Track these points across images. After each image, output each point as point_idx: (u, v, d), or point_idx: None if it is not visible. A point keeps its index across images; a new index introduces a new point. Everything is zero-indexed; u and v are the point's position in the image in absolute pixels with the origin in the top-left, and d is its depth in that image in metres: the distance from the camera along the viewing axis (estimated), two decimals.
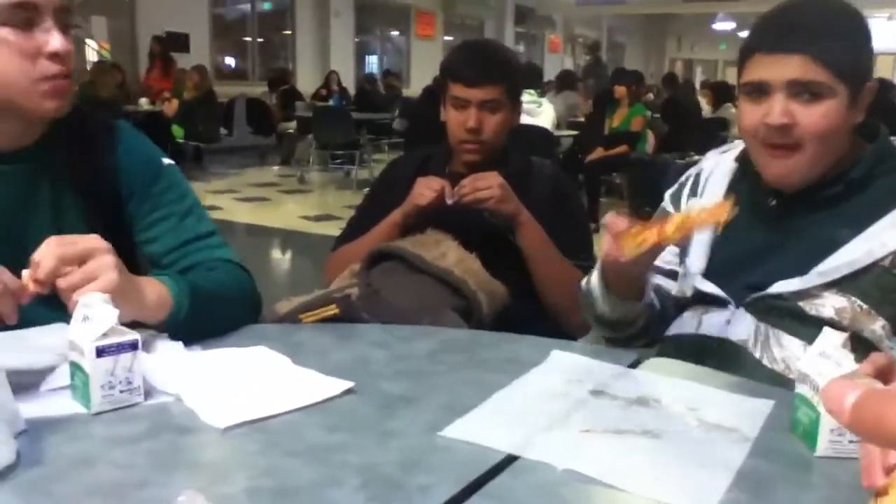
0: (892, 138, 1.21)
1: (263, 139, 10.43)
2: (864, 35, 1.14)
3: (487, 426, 0.87)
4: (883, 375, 0.77)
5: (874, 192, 1.13)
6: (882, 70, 16.70)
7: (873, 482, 0.66)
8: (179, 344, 1.07)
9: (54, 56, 1.09)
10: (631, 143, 6.44)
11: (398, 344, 1.17)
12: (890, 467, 0.65)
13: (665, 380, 1.05)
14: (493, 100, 1.68)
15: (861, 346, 1.09)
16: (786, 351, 1.13)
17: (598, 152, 6.45)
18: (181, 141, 8.54)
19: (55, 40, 1.08)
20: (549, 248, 1.63)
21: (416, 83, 13.03)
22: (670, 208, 1.37)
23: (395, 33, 15.84)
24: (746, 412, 0.94)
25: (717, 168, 1.33)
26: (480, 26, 17.18)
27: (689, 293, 1.27)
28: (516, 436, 0.84)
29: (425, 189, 1.60)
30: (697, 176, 1.35)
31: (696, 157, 1.54)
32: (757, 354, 1.15)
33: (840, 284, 1.11)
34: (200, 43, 11.26)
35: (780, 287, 1.14)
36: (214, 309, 1.14)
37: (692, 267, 1.26)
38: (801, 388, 0.87)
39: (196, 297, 1.10)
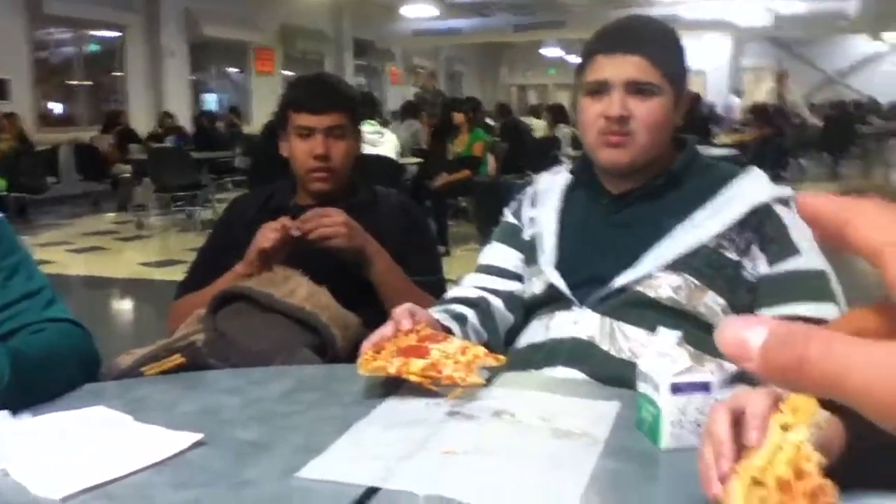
0: (700, 147, 1.36)
1: (97, 185, 9.86)
2: (683, 49, 1.32)
3: (346, 462, 0.86)
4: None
5: (690, 188, 1.28)
6: (693, 87, 18.11)
7: (711, 490, 0.68)
8: (5, 413, 0.98)
9: None
10: (473, 168, 6.61)
11: (250, 388, 1.13)
12: (724, 475, 0.67)
13: (518, 393, 1.08)
14: (339, 126, 1.69)
15: (698, 328, 1.18)
16: (630, 341, 1.22)
17: (443, 178, 6.58)
18: (4, 193, 7.92)
19: None
20: (398, 277, 1.63)
21: (258, 120, 12.79)
22: (512, 220, 1.46)
23: (233, 70, 15.48)
24: (596, 416, 0.97)
25: (551, 183, 1.44)
26: (321, 60, 17.12)
27: (537, 291, 1.34)
28: (376, 467, 0.83)
29: (268, 232, 1.55)
30: (535, 193, 1.45)
31: (535, 176, 1.63)
32: (605, 347, 1.22)
33: (673, 266, 1.22)
34: (22, 89, 10.52)
35: (621, 280, 1.24)
36: (42, 374, 1.06)
37: (545, 261, 1.34)
38: (642, 387, 0.92)
39: (18, 364, 1.02)
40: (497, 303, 1.39)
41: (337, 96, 1.72)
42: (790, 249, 1.19)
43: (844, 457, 0.71)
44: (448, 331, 1.21)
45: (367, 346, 1.10)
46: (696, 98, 10.56)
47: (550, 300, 1.32)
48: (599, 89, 1.26)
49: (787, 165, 11.47)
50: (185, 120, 11.81)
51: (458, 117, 6.77)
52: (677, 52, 1.30)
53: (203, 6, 13.16)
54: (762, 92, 13.80)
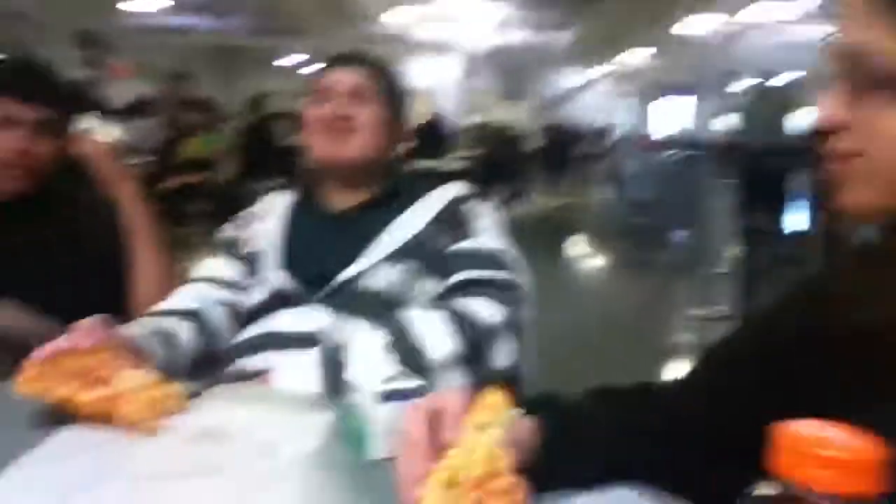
0: (430, 163, 1.53)
1: None
2: (392, 76, 1.50)
3: (10, 499, 0.74)
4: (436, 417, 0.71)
5: (404, 198, 1.43)
6: (422, 106, 19.06)
7: (411, 492, 0.66)
8: None
9: None
10: (207, 171, 6.38)
11: None
12: (421, 477, 0.65)
13: (226, 406, 1.00)
14: (49, 120, 1.49)
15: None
16: (355, 334, 1.22)
17: (176, 181, 6.26)
18: None
19: None
20: (147, 224, 1.64)
21: None
22: (234, 234, 1.50)
23: None
24: (305, 427, 0.93)
25: (275, 202, 1.52)
26: (31, 50, 15.48)
27: (262, 297, 1.37)
28: (49, 502, 0.73)
29: None
30: (259, 209, 1.52)
31: (277, 181, 1.73)
32: (332, 341, 1.21)
33: (389, 259, 1.35)
34: None
35: (343, 276, 1.33)
36: None
37: (270, 268, 1.39)
38: (352, 397, 0.90)
39: None
40: (218, 313, 1.37)
41: (46, 87, 1.53)
42: (468, 232, 1.37)
43: (537, 455, 0.75)
44: (143, 355, 1.10)
45: (33, 360, 0.94)
46: (437, 118, 10.99)
47: (276, 303, 1.33)
48: (323, 97, 1.41)
49: (510, 181, 12.44)
50: None
51: (192, 118, 6.48)
52: (383, 77, 1.46)
53: None
54: (491, 112, 14.90)
